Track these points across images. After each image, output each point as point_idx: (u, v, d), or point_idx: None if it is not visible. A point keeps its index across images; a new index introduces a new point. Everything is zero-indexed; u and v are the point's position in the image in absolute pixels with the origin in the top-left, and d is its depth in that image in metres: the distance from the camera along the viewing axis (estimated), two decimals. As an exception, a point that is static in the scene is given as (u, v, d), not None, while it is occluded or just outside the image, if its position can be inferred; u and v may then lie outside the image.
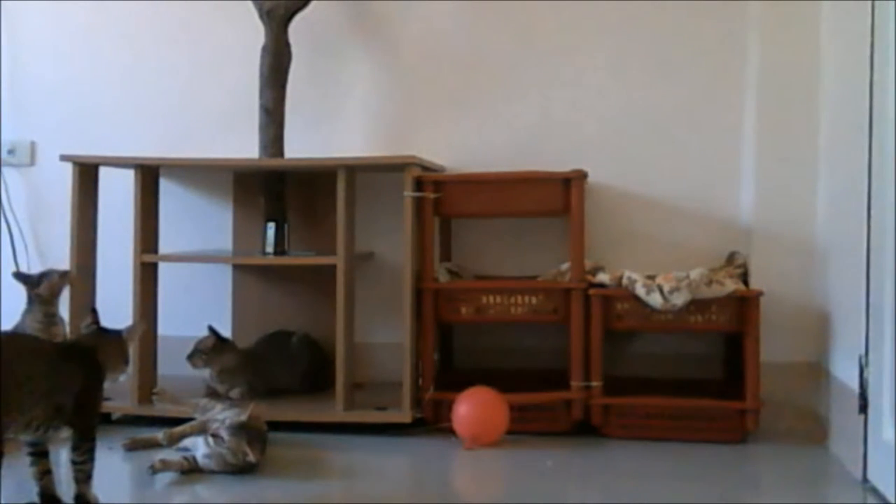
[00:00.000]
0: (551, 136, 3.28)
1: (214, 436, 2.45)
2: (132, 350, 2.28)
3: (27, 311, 2.87)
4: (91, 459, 2.14)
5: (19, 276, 2.91)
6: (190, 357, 3.08)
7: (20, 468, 2.12)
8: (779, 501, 2.45)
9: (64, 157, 2.99)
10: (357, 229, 2.98)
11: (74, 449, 2.13)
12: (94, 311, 2.28)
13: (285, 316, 3.33)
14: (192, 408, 2.73)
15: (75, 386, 2.11)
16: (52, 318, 2.86)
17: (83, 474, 2.13)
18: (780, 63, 3.02)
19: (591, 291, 2.87)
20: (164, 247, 3.09)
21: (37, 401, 2.04)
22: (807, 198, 2.99)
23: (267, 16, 3.19)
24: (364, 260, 3.23)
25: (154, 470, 2.44)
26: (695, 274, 2.83)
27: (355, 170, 2.97)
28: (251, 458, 2.43)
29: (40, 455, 2.13)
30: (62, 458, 2.23)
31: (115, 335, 2.23)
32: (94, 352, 2.18)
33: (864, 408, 2.41)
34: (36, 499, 2.13)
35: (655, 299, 2.80)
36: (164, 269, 3.07)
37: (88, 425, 2.14)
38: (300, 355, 3.19)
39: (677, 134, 3.23)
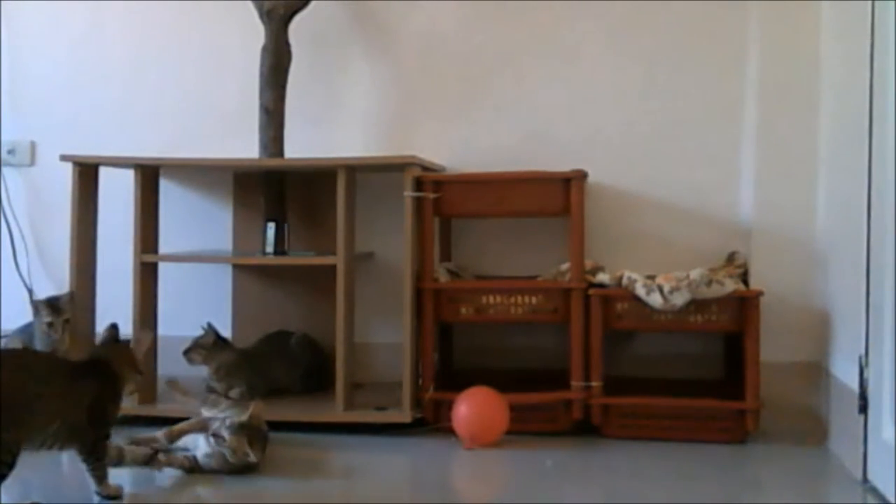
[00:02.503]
0: (551, 136, 3.28)
1: (216, 435, 2.45)
2: (139, 358, 2.30)
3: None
4: (103, 467, 2.18)
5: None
6: (187, 352, 3.08)
7: (20, 468, 2.11)
8: (779, 501, 2.45)
9: (64, 157, 2.99)
10: (357, 229, 2.98)
11: (84, 461, 2.14)
12: (114, 327, 2.29)
13: (285, 316, 3.33)
14: (201, 401, 2.74)
15: (88, 403, 2.12)
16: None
17: (98, 474, 2.17)
18: (780, 63, 3.02)
19: (591, 291, 2.87)
20: (164, 247, 3.09)
21: (50, 420, 2.04)
22: (807, 198, 3.00)
23: (267, 16, 3.19)
24: (364, 260, 3.23)
25: (157, 466, 2.45)
26: (695, 274, 2.83)
27: (355, 170, 2.97)
28: (252, 458, 2.43)
29: None
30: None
31: (125, 346, 2.25)
32: (108, 365, 2.19)
33: (864, 408, 2.41)
34: (37, 499, 2.13)
35: (655, 299, 2.80)
36: (164, 269, 3.07)
37: (101, 437, 2.16)
38: (300, 355, 3.19)
39: (677, 134, 3.23)
